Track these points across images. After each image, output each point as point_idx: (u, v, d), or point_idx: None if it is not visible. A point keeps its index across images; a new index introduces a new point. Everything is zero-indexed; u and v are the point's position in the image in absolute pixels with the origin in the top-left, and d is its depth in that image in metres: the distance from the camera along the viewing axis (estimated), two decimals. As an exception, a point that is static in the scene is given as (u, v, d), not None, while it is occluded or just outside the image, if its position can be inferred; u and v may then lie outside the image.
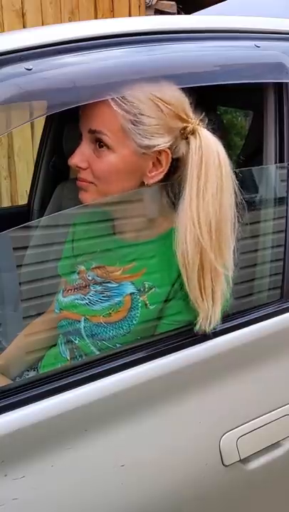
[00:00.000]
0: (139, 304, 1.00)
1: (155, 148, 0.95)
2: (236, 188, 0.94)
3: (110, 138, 0.94)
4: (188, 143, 0.95)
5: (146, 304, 1.00)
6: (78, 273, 1.10)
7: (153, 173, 0.97)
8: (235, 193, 0.94)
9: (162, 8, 3.72)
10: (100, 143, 0.95)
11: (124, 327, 1.00)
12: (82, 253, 1.12)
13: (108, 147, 0.94)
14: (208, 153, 0.92)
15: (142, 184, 0.99)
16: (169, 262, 0.99)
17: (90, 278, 1.07)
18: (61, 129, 1.92)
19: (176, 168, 0.98)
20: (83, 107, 0.94)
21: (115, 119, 0.93)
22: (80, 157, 0.97)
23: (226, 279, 0.94)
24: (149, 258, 1.03)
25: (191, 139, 0.94)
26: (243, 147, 1.81)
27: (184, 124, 0.95)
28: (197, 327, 0.93)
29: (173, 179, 0.99)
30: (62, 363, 1.07)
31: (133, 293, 1.01)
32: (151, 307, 1.00)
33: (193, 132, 0.94)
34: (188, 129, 0.95)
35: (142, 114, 0.93)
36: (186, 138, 0.95)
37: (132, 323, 1.00)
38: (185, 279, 0.92)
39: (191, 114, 0.97)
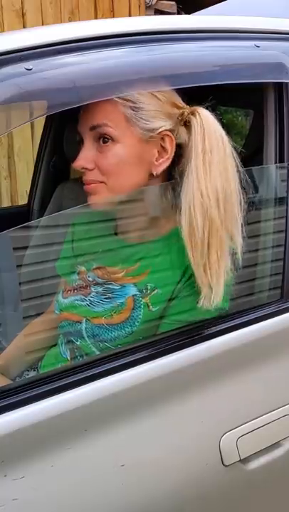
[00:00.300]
0: (142, 306, 1.00)
1: (159, 130, 0.95)
2: (239, 166, 0.95)
3: (114, 128, 0.94)
4: (188, 127, 0.96)
5: (148, 306, 1.00)
6: (78, 274, 1.09)
7: (160, 161, 0.97)
8: (238, 171, 0.94)
9: (162, 8, 3.72)
10: (103, 138, 0.95)
11: (127, 328, 1.00)
12: (83, 253, 1.11)
13: (112, 139, 0.95)
14: (210, 129, 0.93)
15: (151, 176, 0.98)
16: (172, 263, 0.99)
17: (90, 279, 1.07)
18: (61, 129, 1.92)
19: (180, 156, 0.98)
20: (82, 108, 0.94)
21: (116, 109, 0.94)
22: (85, 158, 0.97)
23: (234, 260, 0.93)
24: (151, 259, 1.02)
25: (192, 119, 0.95)
26: (243, 147, 1.80)
27: (181, 110, 0.97)
28: (199, 303, 0.92)
29: (179, 166, 0.99)
30: (63, 363, 1.07)
31: (135, 295, 1.01)
32: (153, 309, 0.99)
33: (192, 113, 0.95)
34: (185, 113, 0.96)
35: (141, 102, 0.94)
36: (186, 123, 0.96)
37: (134, 325, 1.00)
38: (190, 253, 0.91)
39: (183, 103, 0.98)
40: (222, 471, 0.96)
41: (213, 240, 0.90)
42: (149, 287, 1.00)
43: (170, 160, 0.98)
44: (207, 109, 0.97)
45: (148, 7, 3.66)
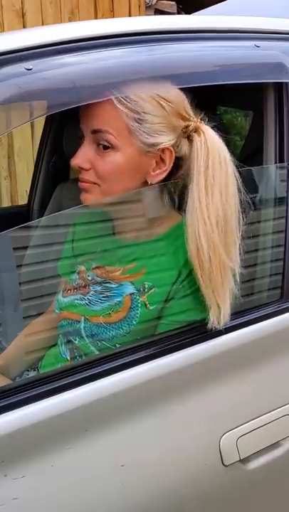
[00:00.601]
0: (139, 304, 1.00)
1: (159, 146, 0.95)
2: (240, 185, 0.95)
3: (115, 137, 0.94)
4: (190, 141, 0.95)
5: (146, 304, 1.00)
6: (78, 273, 1.09)
7: (156, 172, 0.97)
8: (239, 190, 0.95)
9: (162, 8, 3.72)
10: (104, 145, 0.95)
11: (124, 327, 1.00)
12: (82, 253, 1.12)
13: (112, 146, 0.94)
14: (214, 150, 0.93)
15: (145, 183, 0.99)
16: (169, 262, 0.99)
17: (89, 278, 1.07)
18: (61, 129, 1.92)
19: (179, 167, 0.98)
20: (85, 107, 0.94)
21: (119, 118, 0.93)
22: (83, 158, 0.97)
23: (233, 275, 0.94)
24: (149, 258, 1.03)
25: (195, 136, 0.95)
26: (243, 147, 1.81)
27: (186, 123, 0.96)
28: (209, 324, 0.93)
29: (176, 178, 0.99)
30: (63, 363, 1.07)
31: (133, 293, 1.01)
32: (151, 307, 0.99)
33: (196, 130, 0.95)
34: (190, 127, 0.96)
35: (146, 113, 0.93)
36: (189, 136, 0.96)
37: (131, 324, 1.00)
38: (199, 275, 0.92)
39: (191, 112, 0.97)
40: (222, 471, 0.96)
41: (216, 263, 0.91)
42: (146, 286, 1.00)
43: (167, 172, 0.98)
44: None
45: (148, 7, 3.66)
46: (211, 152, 0.93)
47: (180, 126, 0.96)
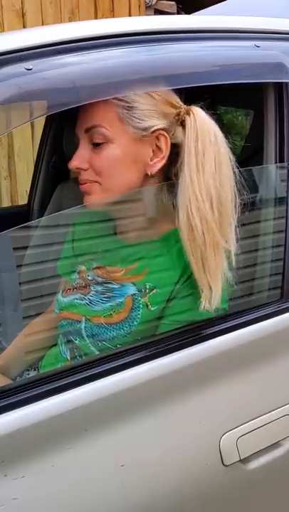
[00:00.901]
0: (140, 305, 1.00)
1: (153, 129, 0.95)
2: (234, 167, 0.94)
3: (107, 129, 0.94)
4: (184, 127, 0.95)
5: (147, 305, 1.00)
6: (78, 273, 1.09)
7: (154, 161, 0.97)
8: (234, 172, 0.94)
9: (162, 8, 3.72)
10: (97, 138, 0.95)
11: (125, 328, 1.00)
12: (83, 253, 1.12)
13: (107, 139, 0.95)
14: (203, 130, 0.93)
15: (146, 176, 0.98)
16: (171, 263, 0.99)
17: (90, 278, 1.07)
18: (61, 129, 1.92)
19: (177, 155, 0.98)
20: (79, 109, 0.95)
21: (109, 109, 0.94)
22: (80, 158, 0.97)
23: (229, 259, 0.94)
24: (150, 259, 1.02)
25: (186, 118, 0.95)
26: (243, 147, 1.80)
27: (177, 110, 0.97)
28: (201, 306, 0.92)
29: (175, 166, 0.99)
30: (63, 362, 1.07)
31: (134, 294, 1.01)
32: (152, 308, 0.99)
33: (187, 113, 0.95)
34: (181, 112, 0.96)
35: (135, 101, 0.94)
36: (182, 123, 0.96)
37: (132, 324, 1.00)
38: (190, 255, 0.91)
39: (181, 102, 0.98)
40: (222, 471, 0.96)
41: (210, 243, 0.91)
42: (148, 287, 1.00)
43: (165, 160, 0.97)
44: (205, 107, 0.97)
45: (148, 7, 3.66)
46: (201, 130, 0.93)
47: (171, 114, 0.96)
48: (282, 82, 1.11)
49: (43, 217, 1.85)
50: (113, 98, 0.93)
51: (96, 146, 0.96)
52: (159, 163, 0.97)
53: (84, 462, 0.85)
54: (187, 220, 0.91)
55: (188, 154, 0.92)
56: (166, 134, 0.96)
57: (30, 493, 0.80)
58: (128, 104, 0.94)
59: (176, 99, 0.98)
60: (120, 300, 1.02)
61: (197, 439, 0.95)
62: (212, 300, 0.92)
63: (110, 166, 0.96)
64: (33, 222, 1.78)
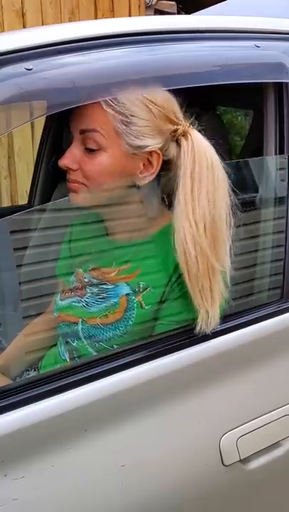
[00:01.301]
0: (135, 305, 1.00)
1: (146, 149, 0.95)
2: (230, 190, 0.94)
3: (104, 137, 0.94)
4: (179, 145, 0.95)
5: (141, 304, 1.00)
6: (76, 275, 1.09)
7: (144, 174, 0.97)
8: (229, 194, 0.94)
9: (162, 8, 3.72)
10: (91, 143, 0.95)
11: (121, 328, 1.00)
12: (78, 254, 1.12)
13: (100, 147, 0.95)
14: (200, 155, 0.93)
15: (134, 185, 0.99)
16: (162, 262, 0.99)
17: (86, 280, 1.07)
18: (61, 129, 1.92)
19: (168, 169, 0.98)
20: (77, 108, 0.94)
21: (107, 120, 0.93)
22: (71, 158, 0.97)
23: (224, 279, 0.94)
24: (142, 258, 1.03)
25: (183, 141, 0.94)
26: (243, 147, 1.81)
27: (175, 127, 0.96)
28: (197, 328, 0.93)
29: (164, 180, 0.99)
30: (62, 364, 1.07)
31: (128, 294, 1.01)
32: (146, 307, 1.00)
33: (184, 134, 0.95)
34: (178, 131, 0.95)
35: (133, 116, 0.93)
36: (177, 140, 0.96)
37: (128, 324, 1.00)
38: (187, 279, 0.92)
39: (181, 116, 0.97)
40: (222, 471, 0.96)
41: (204, 267, 0.91)
42: (141, 285, 1.01)
43: (154, 175, 0.98)
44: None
45: (148, 7, 3.66)
46: (198, 156, 0.92)
47: (168, 130, 0.96)
48: (282, 82, 1.11)
49: (43, 217, 1.85)
50: (111, 109, 0.92)
51: (89, 151, 0.95)
52: (148, 178, 0.98)
53: (84, 462, 0.85)
54: (181, 244, 0.91)
55: (183, 176, 0.92)
56: (159, 151, 0.96)
57: (30, 493, 0.80)
58: (126, 119, 0.93)
59: (177, 114, 0.97)
60: (115, 300, 1.02)
61: (197, 439, 0.95)
62: (209, 322, 0.93)
63: (100, 173, 0.96)
64: (33, 223, 1.78)
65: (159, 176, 0.99)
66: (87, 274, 1.07)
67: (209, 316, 0.93)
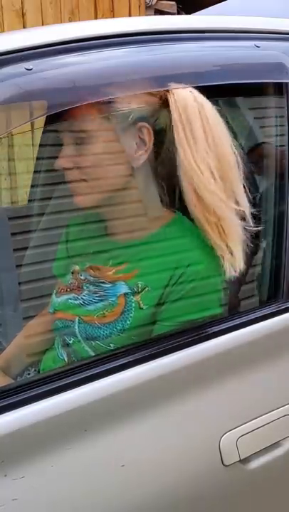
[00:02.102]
0: (133, 305, 1.00)
1: (138, 125, 0.94)
2: (232, 137, 0.94)
3: (90, 125, 0.94)
4: (169, 111, 0.95)
5: (139, 304, 1.00)
6: (72, 273, 1.09)
7: (139, 153, 0.97)
8: (232, 140, 0.94)
9: (162, 8, 3.72)
10: (81, 136, 0.95)
11: (118, 327, 1.00)
12: (76, 254, 1.12)
13: (90, 136, 0.94)
14: (186, 102, 0.93)
15: (131, 168, 0.98)
16: (162, 262, 0.99)
17: (82, 278, 1.07)
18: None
19: (162, 142, 0.98)
20: (63, 113, 0.94)
21: (89, 106, 0.93)
22: (64, 158, 0.97)
23: (243, 218, 0.94)
24: (141, 259, 1.02)
25: (169, 97, 0.94)
26: (243, 148, 1.80)
27: (158, 95, 0.95)
28: (227, 273, 0.93)
29: (160, 153, 0.99)
30: (61, 364, 1.07)
31: (127, 293, 1.01)
32: (145, 308, 0.99)
33: (167, 97, 0.94)
34: (162, 95, 0.95)
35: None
36: (165, 104, 0.95)
37: (125, 324, 1.00)
38: (207, 228, 0.92)
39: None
40: (222, 471, 0.96)
41: (220, 210, 0.91)
42: (140, 285, 1.00)
43: (149, 151, 0.97)
44: None
45: (148, 7, 3.66)
46: (183, 105, 0.92)
47: (153, 102, 0.96)
48: (282, 82, 1.11)
49: (43, 218, 1.85)
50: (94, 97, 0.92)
51: (79, 144, 0.95)
52: (143, 155, 0.97)
53: (84, 462, 0.85)
54: (194, 192, 0.91)
55: (176, 132, 0.92)
56: (148, 125, 0.95)
57: (30, 493, 0.80)
58: (108, 99, 0.93)
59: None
60: (113, 299, 1.02)
61: (197, 439, 0.95)
62: (235, 264, 0.93)
63: (96, 163, 0.96)
64: (33, 223, 1.78)
65: (155, 154, 0.99)
66: (84, 272, 1.07)
67: (236, 258, 0.93)
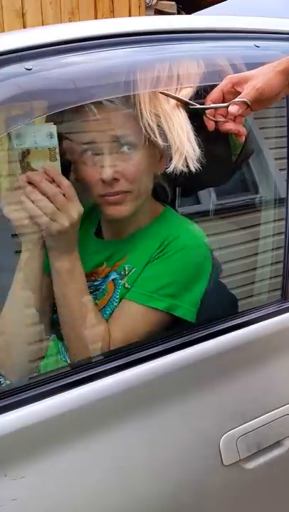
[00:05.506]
0: (119, 287, 1.02)
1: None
2: None
3: (134, 136, 0.95)
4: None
5: (124, 285, 1.02)
6: None
7: (162, 161, 1.00)
8: None
9: (162, 8, 3.72)
10: (125, 147, 0.96)
11: (108, 311, 1.02)
12: None
13: (134, 147, 0.96)
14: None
15: (155, 177, 1.02)
16: (149, 246, 1.02)
17: None
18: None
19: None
20: (92, 118, 0.94)
21: (131, 117, 0.95)
22: (113, 168, 0.96)
23: None
24: (131, 248, 1.04)
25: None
26: (243, 148, 1.80)
27: None
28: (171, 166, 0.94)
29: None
30: (62, 364, 1.07)
31: (115, 278, 1.03)
32: (128, 286, 1.01)
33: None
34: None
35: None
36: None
37: (113, 306, 1.02)
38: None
39: None
40: (222, 471, 0.96)
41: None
42: (126, 268, 1.02)
43: (164, 157, 1.00)
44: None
45: (148, 7, 3.66)
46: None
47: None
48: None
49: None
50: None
51: (125, 153, 0.96)
52: (164, 163, 0.99)
53: (84, 462, 0.85)
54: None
55: None
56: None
57: (30, 493, 0.80)
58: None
59: None
60: (103, 287, 1.04)
61: (197, 439, 0.95)
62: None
63: (139, 172, 0.97)
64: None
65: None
66: None
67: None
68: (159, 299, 0.98)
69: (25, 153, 0.90)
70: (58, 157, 0.91)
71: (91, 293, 1.04)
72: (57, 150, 0.91)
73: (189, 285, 1.01)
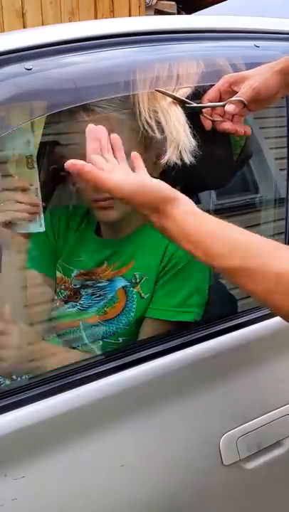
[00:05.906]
0: (134, 296, 1.02)
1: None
2: None
3: (125, 144, 0.94)
4: None
5: (140, 294, 1.01)
6: (64, 284, 1.09)
7: (157, 162, 0.98)
8: None
9: (162, 8, 3.72)
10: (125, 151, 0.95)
11: (123, 321, 1.01)
12: (68, 259, 1.11)
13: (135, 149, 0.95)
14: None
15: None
16: (154, 250, 1.01)
17: (76, 286, 1.07)
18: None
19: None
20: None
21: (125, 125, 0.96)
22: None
23: None
24: (134, 250, 1.04)
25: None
26: (243, 148, 1.80)
27: None
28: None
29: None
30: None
31: (125, 286, 1.02)
32: (145, 296, 1.01)
33: None
34: None
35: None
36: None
37: (129, 316, 1.01)
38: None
39: None
40: (222, 471, 0.96)
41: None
42: (137, 276, 1.02)
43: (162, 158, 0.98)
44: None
45: (148, 7, 3.66)
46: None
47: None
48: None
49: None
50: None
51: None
52: (159, 163, 0.97)
53: (84, 462, 0.85)
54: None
55: None
56: None
57: (30, 493, 0.80)
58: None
59: None
60: (112, 295, 1.03)
61: (197, 439, 0.95)
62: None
63: None
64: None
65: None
66: (75, 280, 1.07)
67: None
68: (185, 311, 1.01)
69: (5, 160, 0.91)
70: (36, 165, 0.91)
71: (95, 293, 1.04)
72: (34, 158, 0.91)
73: (200, 288, 1.03)
